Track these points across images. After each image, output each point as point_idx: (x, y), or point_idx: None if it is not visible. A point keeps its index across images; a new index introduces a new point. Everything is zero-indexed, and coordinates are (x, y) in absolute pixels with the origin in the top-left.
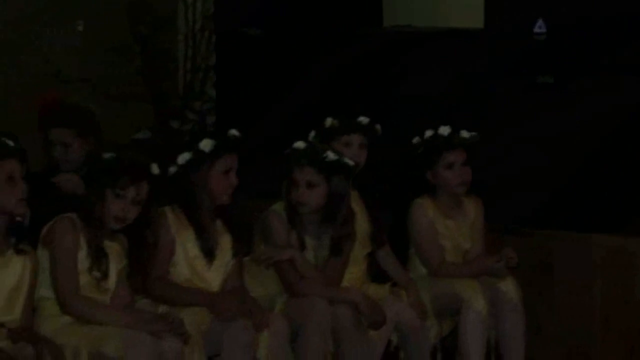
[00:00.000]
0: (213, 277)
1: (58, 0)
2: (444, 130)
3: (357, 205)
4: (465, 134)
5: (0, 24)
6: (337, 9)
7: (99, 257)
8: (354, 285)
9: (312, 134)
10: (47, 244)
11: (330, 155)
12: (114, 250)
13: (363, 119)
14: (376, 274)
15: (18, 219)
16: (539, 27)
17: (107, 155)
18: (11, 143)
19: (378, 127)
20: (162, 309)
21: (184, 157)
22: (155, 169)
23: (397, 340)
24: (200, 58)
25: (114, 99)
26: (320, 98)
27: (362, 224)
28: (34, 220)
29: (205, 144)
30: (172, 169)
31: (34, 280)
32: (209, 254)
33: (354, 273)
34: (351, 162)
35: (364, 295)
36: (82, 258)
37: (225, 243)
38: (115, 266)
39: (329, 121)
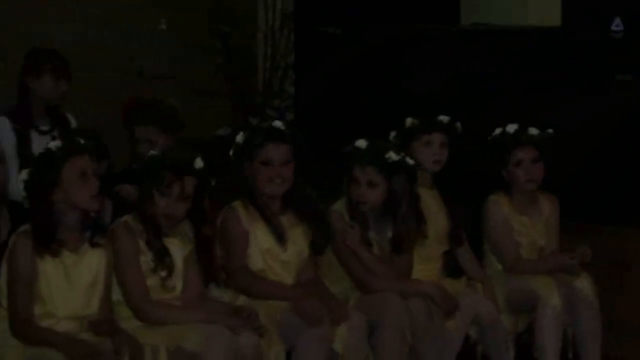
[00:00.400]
0: (286, 268)
1: (142, 1)
2: (511, 127)
3: (436, 204)
4: (533, 131)
5: (88, 23)
6: (415, 7)
7: (161, 256)
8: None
9: (393, 134)
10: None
11: (392, 156)
12: (175, 244)
13: (443, 118)
14: (452, 270)
15: (93, 214)
16: (616, 25)
17: (150, 155)
18: (82, 140)
19: (458, 125)
20: (241, 300)
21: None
22: (198, 163)
23: (476, 335)
24: (280, 56)
25: (196, 95)
26: (395, 95)
27: (440, 222)
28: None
29: (240, 137)
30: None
31: (110, 272)
32: (281, 245)
33: (430, 270)
34: (412, 162)
35: (436, 286)
36: (147, 260)
37: (296, 235)
38: (179, 259)
39: (409, 121)
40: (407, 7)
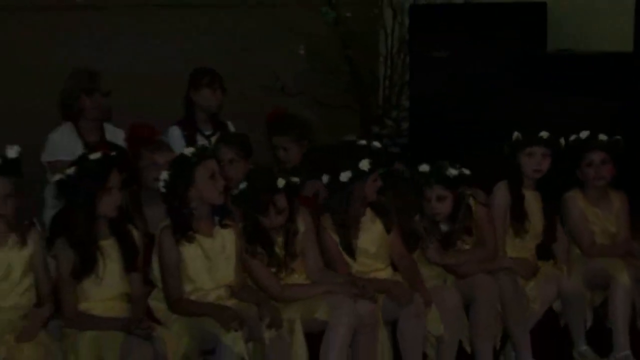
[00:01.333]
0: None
1: (284, 29)
2: (584, 134)
3: (536, 204)
4: (602, 137)
5: (239, 47)
6: (509, 34)
7: (272, 256)
8: None
9: (506, 146)
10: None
11: (452, 171)
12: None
13: (544, 133)
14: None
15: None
16: None
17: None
18: (209, 146)
19: (561, 140)
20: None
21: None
22: (281, 182)
23: (558, 308)
24: (397, 75)
25: (327, 109)
26: (494, 110)
27: (537, 220)
28: None
29: (364, 164)
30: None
31: (240, 246)
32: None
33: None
34: (467, 172)
35: (512, 259)
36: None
37: (376, 229)
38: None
39: (515, 135)
40: (502, 35)
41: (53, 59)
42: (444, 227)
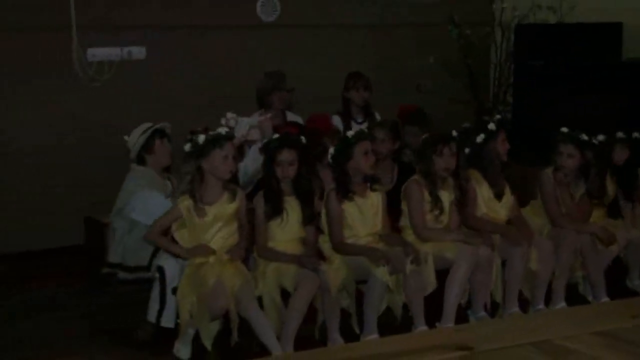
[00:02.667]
0: (501, 211)
1: (420, 44)
2: None
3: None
4: None
5: (384, 59)
6: (592, 47)
7: (436, 201)
8: (596, 221)
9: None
10: (405, 198)
11: (584, 136)
12: (445, 191)
13: (619, 134)
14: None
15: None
16: None
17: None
18: (365, 130)
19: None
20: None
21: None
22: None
23: (624, 256)
24: (504, 79)
25: (451, 103)
26: (579, 108)
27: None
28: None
29: (491, 125)
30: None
31: (385, 205)
32: (499, 196)
33: (599, 216)
34: (597, 142)
35: (601, 227)
36: (427, 203)
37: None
38: (447, 202)
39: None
40: (586, 47)
41: (246, 64)
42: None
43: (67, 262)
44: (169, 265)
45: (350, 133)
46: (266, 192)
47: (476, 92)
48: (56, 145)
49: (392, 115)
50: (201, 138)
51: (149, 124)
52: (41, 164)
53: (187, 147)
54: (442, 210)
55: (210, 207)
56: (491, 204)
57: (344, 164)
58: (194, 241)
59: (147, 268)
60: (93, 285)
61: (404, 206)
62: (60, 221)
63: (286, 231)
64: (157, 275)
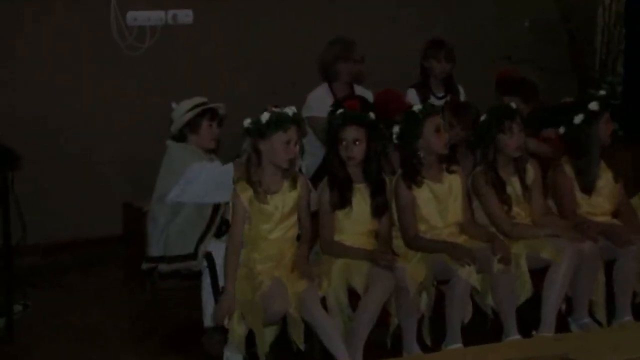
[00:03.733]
0: (598, 205)
1: (513, 6)
2: None
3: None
4: None
5: (475, 25)
6: None
7: (502, 194)
8: None
9: None
10: (475, 193)
11: None
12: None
13: None
14: None
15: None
16: None
17: None
18: (436, 104)
19: None
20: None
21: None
22: None
23: None
24: (613, 45)
25: (548, 74)
26: None
27: None
28: None
29: (593, 105)
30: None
31: (465, 186)
32: (588, 190)
33: None
34: None
35: None
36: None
37: (606, 176)
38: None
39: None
40: None
41: (307, 31)
42: None
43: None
44: (220, 250)
45: (417, 107)
46: (331, 178)
47: (580, 61)
48: (88, 121)
49: (477, 90)
50: (265, 116)
51: (201, 100)
52: (74, 144)
53: (247, 122)
54: (510, 206)
55: (272, 197)
56: (583, 197)
57: (412, 144)
58: (253, 234)
59: (194, 255)
60: (134, 280)
61: (476, 202)
62: (100, 208)
63: (355, 222)
64: (206, 264)
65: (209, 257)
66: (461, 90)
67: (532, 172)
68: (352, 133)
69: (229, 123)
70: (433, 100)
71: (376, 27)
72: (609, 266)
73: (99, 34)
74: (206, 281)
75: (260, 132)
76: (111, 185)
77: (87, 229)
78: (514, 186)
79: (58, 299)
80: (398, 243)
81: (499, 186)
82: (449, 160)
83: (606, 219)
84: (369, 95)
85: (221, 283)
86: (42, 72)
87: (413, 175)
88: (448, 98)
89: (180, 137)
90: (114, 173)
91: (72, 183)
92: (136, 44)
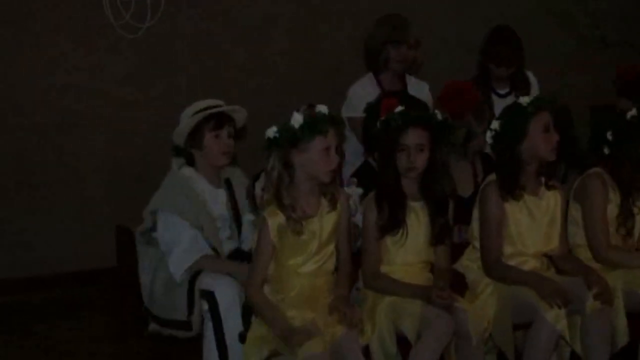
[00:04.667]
0: None
1: None
2: None
3: None
4: None
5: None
6: None
7: (626, 216)
8: None
9: None
10: (579, 198)
11: None
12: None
13: None
14: None
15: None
16: None
17: None
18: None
19: None
20: None
21: None
22: None
23: None
24: None
25: None
26: None
27: None
28: None
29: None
30: None
31: (565, 212)
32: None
33: None
34: None
35: None
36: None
37: None
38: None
39: None
40: None
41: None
42: None
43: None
44: (222, 288)
45: (524, 100)
46: (380, 194)
47: None
48: (78, 121)
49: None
50: (296, 119)
51: (211, 102)
52: (59, 146)
53: (272, 132)
54: (630, 231)
55: (308, 222)
56: None
57: (514, 146)
58: (279, 270)
59: (186, 325)
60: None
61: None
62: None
63: (408, 251)
64: (207, 307)
65: (210, 297)
66: (533, 81)
67: None
68: (415, 137)
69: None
70: (495, 99)
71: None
72: None
73: (88, 12)
74: (209, 332)
75: (292, 140)
76: (99, 204)
77: (72, 259)
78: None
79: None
80: (469, 266)
81: (624, 208)
82: (549, 172)
83: None
84: (424, 89)
85: (229, 329)
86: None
87: (512, 186)
88: (514, 95)
89: (188, 155)
90: (99, 186)
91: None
92: (134, 23)
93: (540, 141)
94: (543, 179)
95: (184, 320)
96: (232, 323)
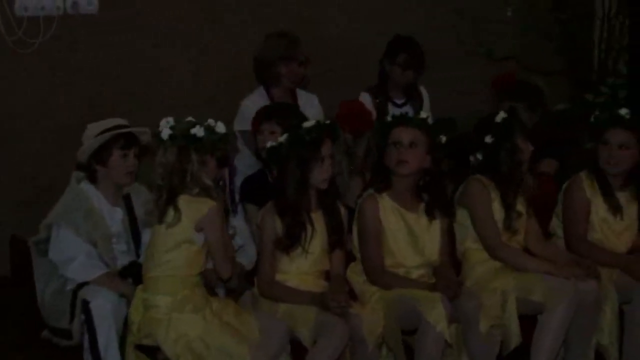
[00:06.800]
0: (622, 235)
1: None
2: None
3: None
4: None
5: (442, 11)
6: None
7: (509, 215)
8: None
9: None
10: (463, 202)
11: None
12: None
13: None
14: None
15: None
16: None
17: None
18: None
19: None
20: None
21: None
22: None
23: None
24: (614, 39)
25: (535, 73)
26: None
27: None
28: None
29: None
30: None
31: (446, 224)
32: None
33: None
34: None
35: None
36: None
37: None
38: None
39: None
40: None
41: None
42: None
43: None
44: (98, 299)
45: (391, 115)
46: (279, 209)
47: (574, 59)
48: None
49: (445, 92)
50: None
51: (117, 122)
52: None
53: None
54: (513, 229)
55: None
56: (606, 225)
57: (381, 157)
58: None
59: (69, 332)
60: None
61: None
62: None
63: (304, 260)
64: (84, 317)
65: (85, 306)
66: (425, 94)
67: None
68: (328, 148)
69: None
70: (391, 108)
71: (330, 16)
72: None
73: None
74: (86, 338)
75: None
76: None
77: None
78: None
79: None
80: (354, 278)
81: (503, 196)
82: (428, 188)
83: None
84: (314, 102)
85: (103, 339)
86: None
87: (381, 187)
88: (410, 106)
89: (88, 170)
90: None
91: None
92: (27, 38)
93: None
94: (420, 197)
95: (67, 328)
96: (106, 334)
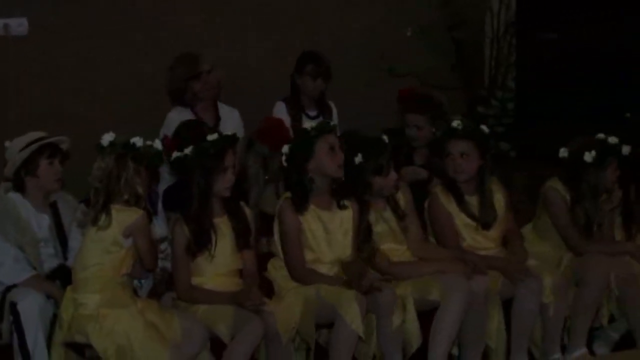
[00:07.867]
0: (491, 237)
1: (394, 14)
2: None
3: None
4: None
5: (348, 30)
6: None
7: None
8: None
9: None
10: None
11: (612, 139)
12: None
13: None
14: None
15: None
16: None
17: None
18: (332, 123)
19: None
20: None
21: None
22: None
23: None
24: (503, 57)
25: (434, 88)
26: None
27: None
28: None
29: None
30: None
31: (357, 222)
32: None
33: None
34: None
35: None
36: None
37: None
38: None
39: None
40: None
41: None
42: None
43: None
44: (25, 301)
45: (310, 124)
46: (187, 218)
47: (467, 75)
48: None
49: (351, 106)
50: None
51: (38, 135)
52: None
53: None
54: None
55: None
56: (471, 229)
57: (302, 166)
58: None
59: None
60: None
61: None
62: None
63: (217, 263)
64: (12, 318)
65: (13, 308)
66: (334, 108)
67: (402, 198)
68: (231, 158)
69: (76, 158)
70: (305, 119)
71: (241, 33)
72: (506, 305)
73: None
74: (14, 338)
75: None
76: None
77: None
78: (389, 223)
79: None
80: (274, 275)
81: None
82: (341, 192)
83: (494, 251)
84: (235, 115)
85: (32, 341)
86: None
87: (302, 201)
88: (321, 118)
89: (17, 182)
90: None
91: None
92: None
93: (325, 160)
94: (337, 201)
95: None
96: (34, 334)
